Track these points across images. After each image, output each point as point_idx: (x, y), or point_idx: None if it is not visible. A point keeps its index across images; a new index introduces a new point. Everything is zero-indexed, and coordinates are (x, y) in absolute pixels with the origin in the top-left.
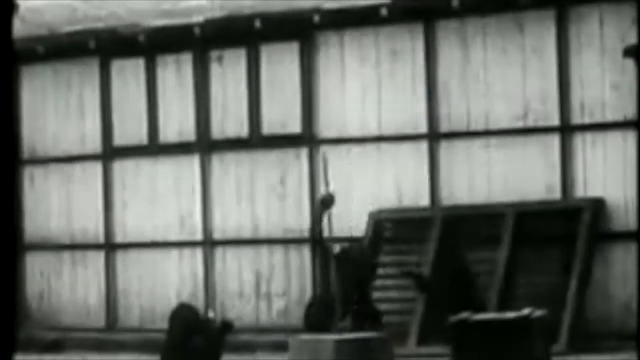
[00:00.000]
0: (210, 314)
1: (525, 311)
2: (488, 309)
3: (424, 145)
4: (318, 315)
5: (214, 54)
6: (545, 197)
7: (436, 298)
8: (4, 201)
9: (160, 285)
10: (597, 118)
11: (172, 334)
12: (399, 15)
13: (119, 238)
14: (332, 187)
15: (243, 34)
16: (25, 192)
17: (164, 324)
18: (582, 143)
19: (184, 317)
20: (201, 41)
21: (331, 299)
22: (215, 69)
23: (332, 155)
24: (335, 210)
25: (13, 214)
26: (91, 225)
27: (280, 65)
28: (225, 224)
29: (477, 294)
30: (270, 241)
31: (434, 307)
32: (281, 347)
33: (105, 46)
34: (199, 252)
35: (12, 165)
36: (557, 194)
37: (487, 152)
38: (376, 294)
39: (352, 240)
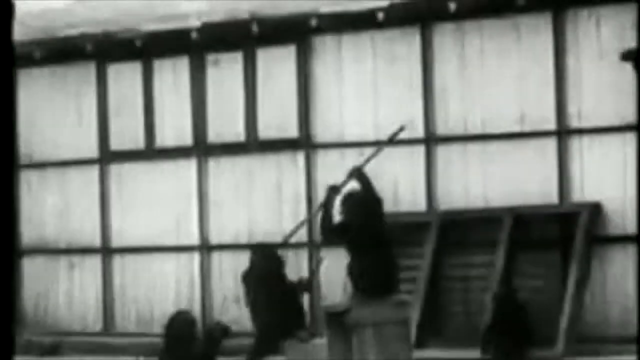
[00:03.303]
0: (216, 320)
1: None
2: None
3: (420, 149)
4: None
5: (210, 57)
6: (542, 201)
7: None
8: (2, 206)
9: (157, 290)
10: (594, 122)
11: (168, 343)
12: (395, 19)
13: (115, 242)
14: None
15: (240, 38)
16: (22, 196)
17: (161, 328)
18: (579, 147)
19: (183, 325)
20: (198, 45)
21: None
22: (212, 73)
23: (329, 160)
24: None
25: (11, 219)
26: (88, 230)
27: (277, 69)
28: (222, 228)
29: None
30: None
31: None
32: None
33: (102, 50)
34: (195, 257)
35: (10, 169)
36: (554, 198)
37: (484, 156)
38: None
39: None
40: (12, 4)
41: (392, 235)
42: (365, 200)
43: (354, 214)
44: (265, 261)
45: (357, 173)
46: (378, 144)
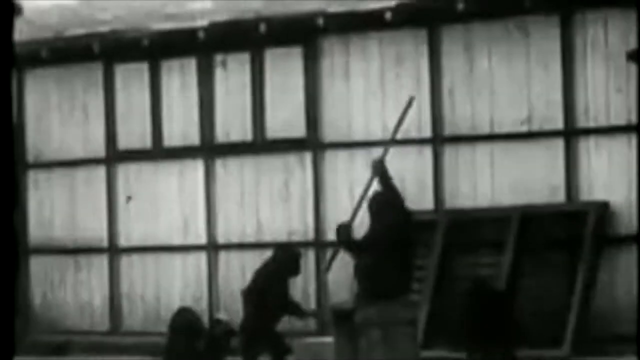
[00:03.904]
0: (221, 316)
1: None
2: None
3: (428, 149)
4: None
5: (218, 58)
6: (549, 200)
7: None
8: (5, 204)
9: (164, 289)
10: (602, 122)
11: (172, 339)
12: (403, 20)
13: (122, 242)
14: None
15: (247, 38)
16: (30, 196)
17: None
18: (586, 147)
19: (184, 322)
20: (205, 45)
21: None
22: (219, 73)
23: (336, 160)
24: (338, 214)
25: (13, 218)
26: (95, 229)
27: (285, 69)
28: (229, 227)
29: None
30: (274, 245)
31: None
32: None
33: (110, 50)
34: (203, 256)
35: (11, 168)
36: (561, 198)
37: (492, 156)
38: None
39: None
40: (15, 4)
41: (415, 236)
42: (392, 201)
43: (382, 214)
44: (286, 260)
45: (380, 166)
46: (394, 128)
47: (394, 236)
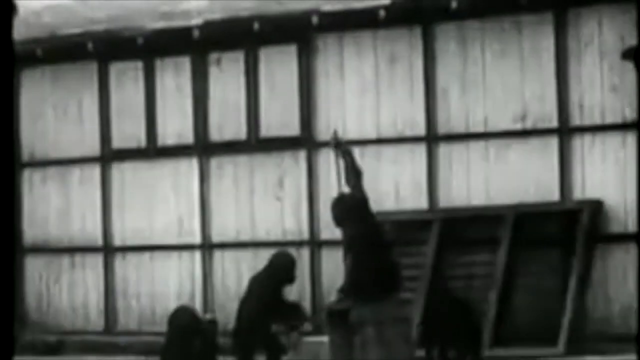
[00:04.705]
0: (208, 316)
1: None
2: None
3: (422, 148)
4: None
5: (212, 56)
6: (543, 199)
7: None
8: (2, 204)
9: (159, 288)
10: (596, 120)
11: (171, 337)
12: (397, 18)
13: (117, 241)
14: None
15: (242, 37)
16: (24, 195)
17: (163, 327)
18: (580, 145)
19: (183, 320)
20: (200, 44)
21: None
22: (213, 72)
23: (330, 159)
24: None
25: (11, 217)
26: (90, 228)
27: (279, 67)
28: (224, 226)
29: None
30: (268, 244)
31: None
32: None
33: (104, 49)
34: (197, 255)
35: (10, 167)
36: (555, 196)
37: (486, 154)
38: None
39: None
40: (13, 3)
41: (390, 235)
42: (356, 202)
43: (345, 217)
44: (281, 267)
45: (336, 138)
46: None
47: (366, 237)
